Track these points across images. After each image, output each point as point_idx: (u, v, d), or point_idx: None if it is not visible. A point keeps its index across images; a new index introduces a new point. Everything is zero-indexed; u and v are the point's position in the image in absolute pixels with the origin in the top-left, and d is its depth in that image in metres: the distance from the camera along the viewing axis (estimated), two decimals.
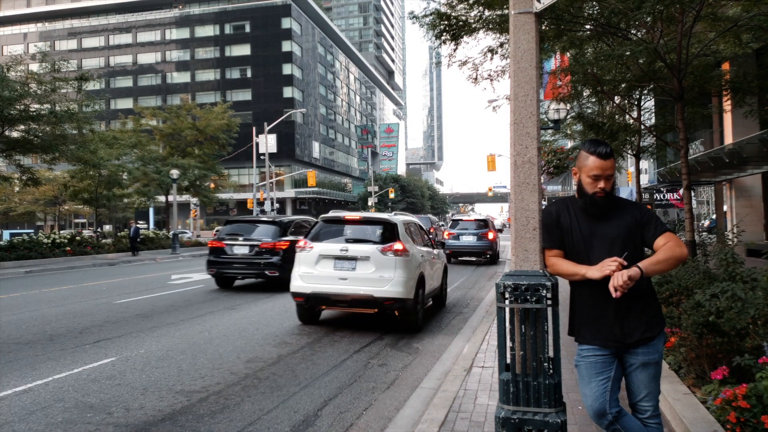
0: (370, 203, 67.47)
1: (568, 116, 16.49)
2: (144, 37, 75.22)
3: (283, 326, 8.41)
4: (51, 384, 5.43)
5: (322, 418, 4.58)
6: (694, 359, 4.65)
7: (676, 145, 9.98)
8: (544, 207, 2.85)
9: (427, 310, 9.87)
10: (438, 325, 8.79)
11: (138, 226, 29.49)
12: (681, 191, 14.03)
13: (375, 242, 8.08)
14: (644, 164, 37.58)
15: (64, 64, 23.39)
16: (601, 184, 2.65)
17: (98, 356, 6.53)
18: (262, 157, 42.03)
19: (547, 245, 2.79)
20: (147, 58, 75.23)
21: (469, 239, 20.48)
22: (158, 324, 8.59)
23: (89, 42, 76.57)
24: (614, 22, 8.58)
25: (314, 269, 8.08)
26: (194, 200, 43.94)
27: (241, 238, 12.95)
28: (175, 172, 30.84)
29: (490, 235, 20.49)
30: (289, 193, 69.63)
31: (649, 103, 15.83)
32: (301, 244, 8.43)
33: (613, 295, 2.45)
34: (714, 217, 31.89)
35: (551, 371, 2.64)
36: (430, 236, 10.76)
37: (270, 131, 40.17)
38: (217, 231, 32.57)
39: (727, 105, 13.16)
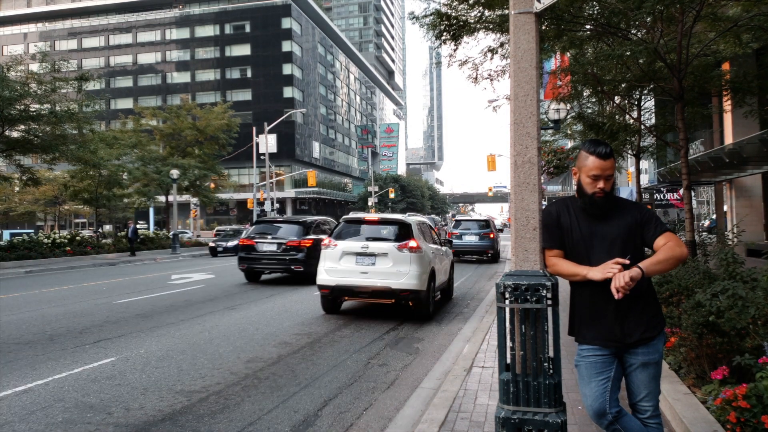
0: (370, 203, 67.48)
1: (568, 116, 16.49)
2: (144, 37, 75.20)
3: (283, 326, 8.41)
4: (51, 384, 5.43)
5: (322, 418, 4.58)
6: (694, 359, 4.65)
7: (676, 145, 9.97)
8: (544, 207, 2.85)
9: (433, 309, 9.89)
10: (438, 324, 8.79)
11: (136, 226, 29.51)
12: (681, 191, 14.04)
13: (392, 240, 9.01)
14: (644, 164, 37.58)
15: (64, 64, 23.41)
16: (601, 185, 2.65)
17: (98, 356, 6.53)
18: (262, 157, 42.01)
19: (547, 245, 2.79)
20: (147, 58, 75.21)
21: (471, 239, 21.26)
22: (158, 324, 8.59)
23: (89, 42, 76.56)
24: (614, 22, 8.58)
25: (338, 264, 9.00)
26: (194, 200, 43.95)
27: (269, 237, 14.17)
28: (175, 172, 30.85)
29: (492, 235, 21.32)
30: (289, 193, 69.61)
31: (649, 103, 15.82)
32: (326, 242, 9.33)
33: (615, 296, 2.45)
34: (714, 217, 31.89)
35: (551, 371, 2.64)
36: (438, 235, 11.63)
37: (270, 131, 40.16)
38: (217, 231, 32.63)
39: (727, 105, 13.15)
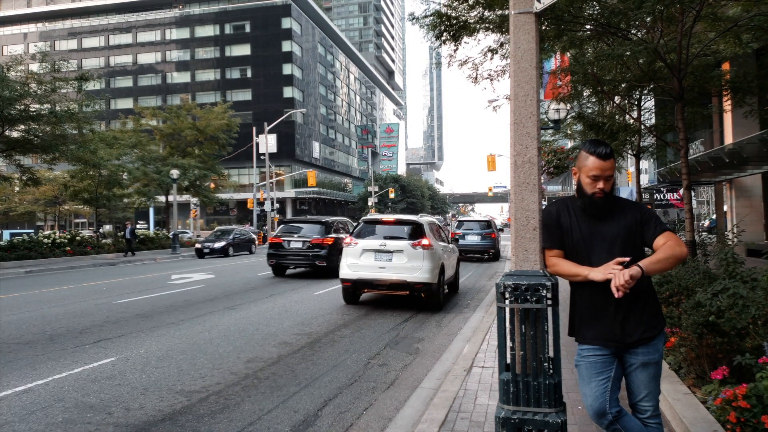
0: (369, 203, 67.49)
1: (568, 116, 16.49)
2: (144, 37, 75.20)
3: (283, 326, 8.41)
4: (51, 384, 5.43)
5: (322, 418, 4.58)
6: (694, 359, 4.65)
7: (676, 145, 9.97)
8: (544, 207, 2.85)
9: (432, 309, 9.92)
10: (438, 324, 8.79)
11: (134, 226, 29.47)
12: (681, 191, 14.04)
13: (406, 239, 9.99)
14: (644, 164, 37.57)
15: (64, 64, 23.38)
16: (601, 185, 2.65)
17: (98, 356, 6.53)
18: (262, 157, 42.05)
19: (548, 245, 2.79)
20: (147, 58, 75.21)
21: (473, 238, 22.09)
22: (158, 324, 8.59)
23: (89, 42, 76.56)
24: (614, 22, 8.57)
25: (359, 260, 10.02)
26: (194, 200, 43.94)
27: (295, 235, 15.64)
28: (175, 172, 30.84)
29: (493, 235, 22.21)
30: (289, 193, 69.62)
31: (649, 103, 15.82)
32: (347, 240, 10.39)
33: (616, 295, 2.45)
34: (714, 217, 31.89)
35: (551, 371, 2.64)
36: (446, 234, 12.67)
37: (270, 131, 40.18)
38: (218, 231, 32.57)
39: (727, 105, 13.15)
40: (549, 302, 2.63)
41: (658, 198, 27.86)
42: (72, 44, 76.41)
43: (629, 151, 14.83)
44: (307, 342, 7.36)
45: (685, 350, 4.78)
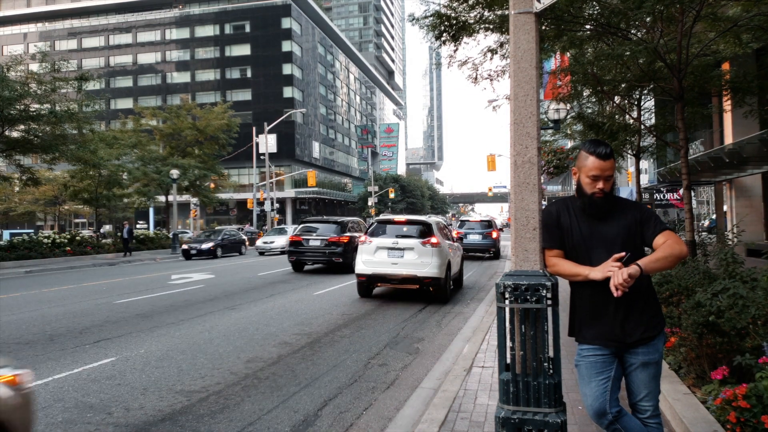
0: (369, 203, 67.50)
1: (568, 116, 16.49)
2: (144, 37, 75.18)
3: (283, 326, 8.41)
4: (51, 384, 5.43)
5: (322, 418, 4.58)
6: (694, 359, 4.65)
7: (676, 145, 9.97)
8: (544, 207, 2.85)
9: (433, 308, 9.93)
10: (438, 324, 8.79)
11: (131, 226, 29.39)
12: (681, 191, 14.03)
13: (416, 237, 10.85)
14: (644, 164, 37.57)
15: (64, 64, 23.40)
16: (600, 185, 2.65)
17: (98, 356, 6.53)
18: (262, 157, 42.04)
19: (548, 245, 2.79)
20: (147, 58, 75.19)
21: (475, 238, 22.75)
22: (158, 324, 8.59)
23: (89, 42, 76.54)
24: (614, 22, 8.57)
25: (373, 257, 10.90)
26: (194, 200, 43.94)
27: (314, 234, 16.93)
28: (175, 172, 30.84)
29: (494, 234, 22.95)
30: (289, 193, 69.60)
31: (649, 103, 15.81)
32: (362, 239, 11.31)
33: (614, 294, 2.45)
34: (714, 217, 31.89)
35: (551, 371, 2.64)
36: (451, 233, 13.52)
37: (270, 131, 40.17)
38: (207, 231, 32.36)
39: (727, 105, 13.14)
40: (549, 302, 2.63)
41: (658, 198, 27.86)
42: (72, 44, 76.39)
43: (629, 151, 14.83)
44: (307, 342, 7.36)
45: (685, 350, 4.78)
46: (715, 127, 19.68)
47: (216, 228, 30.12)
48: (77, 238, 27.72)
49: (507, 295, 2.68)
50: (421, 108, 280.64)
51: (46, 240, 24.98)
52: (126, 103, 70.45)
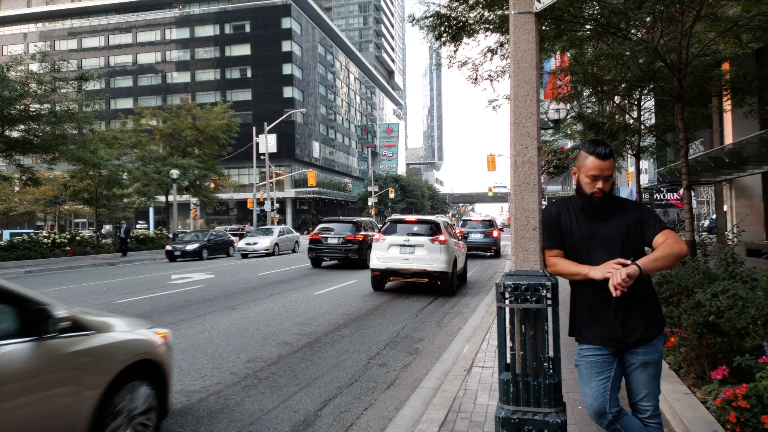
0: (370, 203, 67.49)
1: (568, 116, 16.49)
2: (144, 37, 75.19)
3: (283, 326, 8.41)
4: None
5: (322, 418, 4.58)
6: (694, 359, 4.65)
7: (676, 145, 9.96)
8: (544, 207, 2.85)
9: (433, 308, 9.93)
10: (438, 324, 8.80)
11: (129, 226, 29.36)
12: (681, 191, 14.03)
13: (426, 235, 11.78)
14: (644, 164, 37.56)
15: (64, 64, 23.41)
16: (600, 185, 2.65)
17: None
18: (262, 157, 42.02)
19: (548, 245, 2.79)
20: (147, 58, 75.20)
21: (477, 236, 23.44)
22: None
23: (89, 42, 76.54)
24: (614, 22, 8.57)
25: (386, 253, 11.81)
26: (194, 200, 43.93)
27: (331, 233, 18.44)
28: (175, 172, 30.85)
29: (495, 234, 23.66)
30: (289, 193, 69.61)
31: (649, 103, 15.81)
32: (376, 236, 12.25)
33: (614, 293, 2.45)
34: (714, 217, 31.89)
35: (551, 371, 2.64)
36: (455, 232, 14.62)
37: (270, 131, 40.16)
38: (192, 232, 32.19)
39: (727, 105, 13.14)
40: (549, 302, 2.63)
41: (658, 198, 27.88)
42: (72, 44, 76.39)
43: (629, 151, 14.83)
44: (307, 342, 7.36)
45: (685, 350, 4.78)
46: (715, 127, 19.68)
47: (203, 228, 29.48)
48: (77, 238, 27.72)
49: (507, 295, 2.68)
50: (421, 108, 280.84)
51: (46, 240, 24.98)
52: (126, 103, 70.47)
